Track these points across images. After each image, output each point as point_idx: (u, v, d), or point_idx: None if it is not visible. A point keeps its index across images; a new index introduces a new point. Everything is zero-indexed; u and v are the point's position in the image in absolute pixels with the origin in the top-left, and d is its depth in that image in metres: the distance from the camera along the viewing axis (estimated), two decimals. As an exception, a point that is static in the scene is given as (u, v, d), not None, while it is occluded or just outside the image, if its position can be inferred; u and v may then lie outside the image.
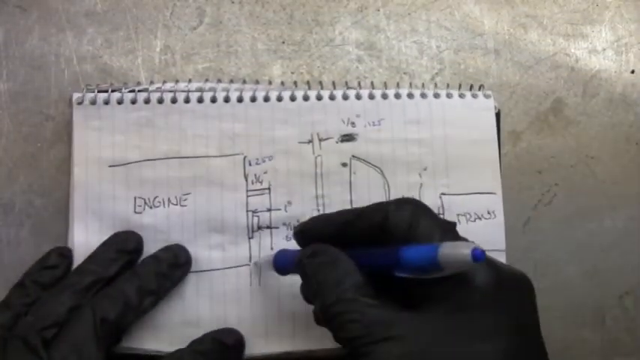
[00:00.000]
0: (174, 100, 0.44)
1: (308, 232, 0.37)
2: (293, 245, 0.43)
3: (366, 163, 0.44)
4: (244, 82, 0.45)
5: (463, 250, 0.28)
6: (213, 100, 0.44)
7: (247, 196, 0.43)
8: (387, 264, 0.32)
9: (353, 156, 0.44)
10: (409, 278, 0.31)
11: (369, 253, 0.33)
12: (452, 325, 0.30)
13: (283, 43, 0.47)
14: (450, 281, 0.30)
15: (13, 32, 0.46)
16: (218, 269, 0.43)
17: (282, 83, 0.46)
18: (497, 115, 0.46)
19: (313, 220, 0.38)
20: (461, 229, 0.43)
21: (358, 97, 0.45)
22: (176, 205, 0.43)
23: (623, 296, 0.47)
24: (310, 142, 0.44)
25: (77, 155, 0.43)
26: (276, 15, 0.48)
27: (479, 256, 0.28)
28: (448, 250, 0.29)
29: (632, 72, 0.49)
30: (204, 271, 0.43)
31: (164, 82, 0.45)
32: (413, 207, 0.34)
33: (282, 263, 0.39)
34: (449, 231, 0.33)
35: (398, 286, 0.32)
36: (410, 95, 0.45)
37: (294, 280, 0.42)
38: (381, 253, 0.33)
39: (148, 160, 0.43)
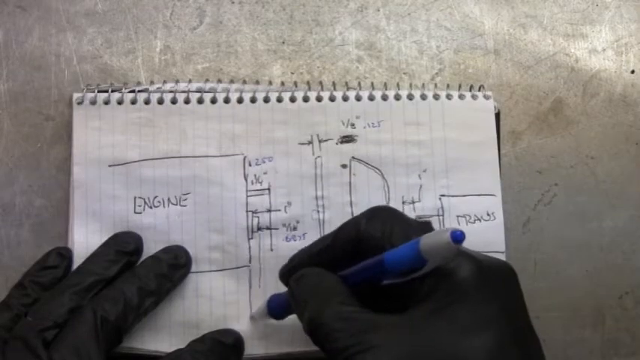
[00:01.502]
0: (174, 101, 0.44)
1: (293, 270, 0.37)
2: (292, 245, 0.43)
3: (365, 165, 0.44)
4: (244, 82, 0.45)
5: (442, 235, 0.28)
6: (213, 100, 0.44)
7: (247, 197, 0.43)
8: (373, 274, 0.32)
9: (353, 157, 0.44)
10: (397, 286, 0.31)
11: (355, 270, 0.33)
12: (440, 324, 0.29)
13: (283, 43, 0.47)
14: (432, 279, 0.30)
15: (13, 32, 0.46)
16: (218, 270, 0.43)
17: (282, 83, 0.46)
18: (497, 115, 0.46)
19: (294, 257, 0.38)
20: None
21: (358, 98, 0.45)
22: (176, 205, 0.43)
23: (623, 296, 0.47)
24: (310, 143, 0.44)
25: (77, 155, 0.43)
26: (276, 15, 0.48)
27: (459, 236, 0.28)
28: (428, 239, 0.29)
29: (632, 72, 0.49)
30: (204, 271, 0.43)
31: (164, 82, 0.45)
32: (384, 215, 0.34)
33: (276, 306, 0.39)
34: (425, 230, 0.33)
35: (388, 298, 0.32)
36: (410, 96, 0.45)
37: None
38: (366, 266, 0.33)
39: (148, 159, 0.43)
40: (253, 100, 0.44)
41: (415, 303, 0.31)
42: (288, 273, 0.37)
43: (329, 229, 0.43)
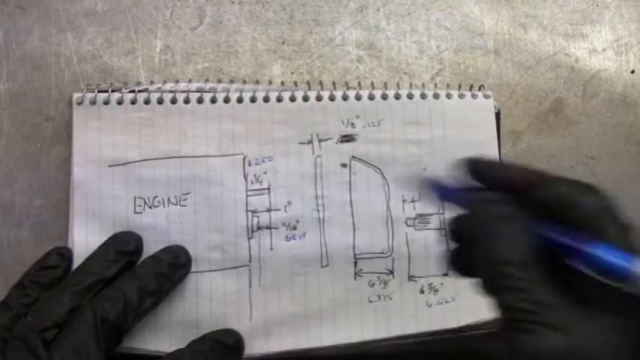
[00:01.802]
0: (174, 101, 0.44)
1: (483, 173, 0.32)
2: (292, 245, 0.43)
3: (365, 164, 0.44)
4: (244, 82, 0.45)
5: None
6: (213, 100, 0.44)
7: (247, 196, 0.43)
8: (562, 248, 0.29)
9: (353, 156, 0.44)
10: (576, 274, 0.28)
11: (549, 229, 0.29)
12: (621, 348, 0.27)
13: (283, 43, 0.47)
14: (628, 297, 0.27)
15: (13, 32, 0.46)
16: (218, 270, 0.43)
17: (282, 83, 0.46)
18: (497, 115, 0.46)
19: (493, 165, 0.33)
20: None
21: (358, 97, 0.45)
22: (176, 205, 0.43)
23: (623, 296, 0.47)
24: (310, 142, 0.44)
25: (77, 155, 0.43)
26: (276, 15, 0.48)
27: None
28: None
29: (632, 72, 0.49)
30: (204, 271, 0.43)
31: (164, 82, 0.45)
32: (605, 201, 0.30)
33: (441, 191, 0.34)
34: (632, 239, 0.29)
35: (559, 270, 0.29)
36: (409, 96, 0.45)
37: (294, 279, 0.42)
38: (564, 237, 0.29)
39: (148, 159, 0.43)
40: (253, 99, 0.44)
41: (598, 304, 0.28)
42: (477, 171, 0.32)
43: (329, 228, 0.43)
